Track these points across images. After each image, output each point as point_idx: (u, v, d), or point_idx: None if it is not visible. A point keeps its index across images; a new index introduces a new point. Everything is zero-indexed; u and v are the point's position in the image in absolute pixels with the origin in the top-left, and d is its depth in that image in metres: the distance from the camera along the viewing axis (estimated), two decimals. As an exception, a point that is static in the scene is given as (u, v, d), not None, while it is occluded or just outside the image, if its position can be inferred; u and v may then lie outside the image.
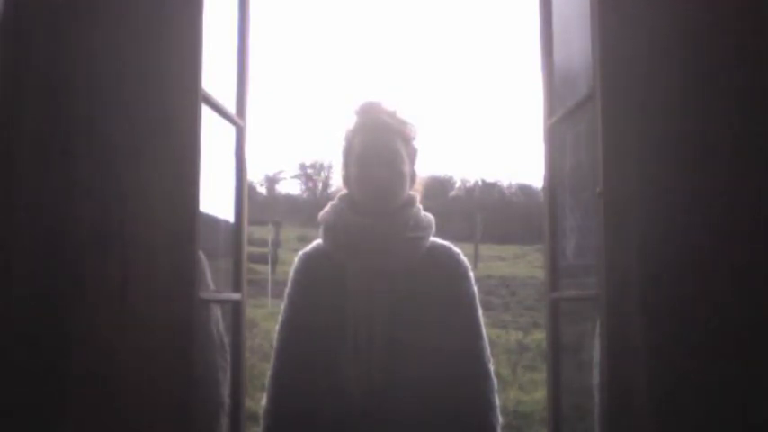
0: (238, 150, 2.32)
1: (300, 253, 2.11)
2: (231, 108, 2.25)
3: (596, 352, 1.96)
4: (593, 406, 2.02)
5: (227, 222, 2.32)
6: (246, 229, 2.39)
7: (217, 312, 2.26)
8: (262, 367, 6.25)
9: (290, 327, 2.04)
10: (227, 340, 2.28)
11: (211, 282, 2.17)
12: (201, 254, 1.94)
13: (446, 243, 2.10)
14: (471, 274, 2.07)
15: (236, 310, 2.32)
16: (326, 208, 2.09)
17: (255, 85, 2.40)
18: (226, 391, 2.25)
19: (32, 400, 1.78)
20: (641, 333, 1.78)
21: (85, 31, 1.87)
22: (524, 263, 20.20)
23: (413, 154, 2.08)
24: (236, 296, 2.30)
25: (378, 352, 1.93)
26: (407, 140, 2.06)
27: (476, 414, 1.97)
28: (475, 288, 2.06)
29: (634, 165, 1.82)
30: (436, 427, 1.93)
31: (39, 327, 1.80)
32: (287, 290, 2.08)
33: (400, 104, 2.09)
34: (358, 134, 2.05)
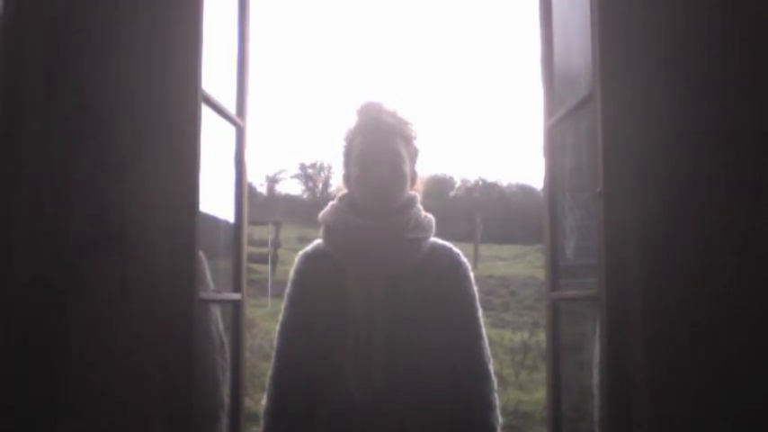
0: (238, 150, 2.32)
1: (300, 253, 2.11)
2: (231, 108, 2.25)
3: (596, 352, 1.96)
4: (593, 406, 2.02)
5: (227, 222, 2.32)
6: (246, 229, 2.39)
7: (217, 312, 2.26)
8: (262, 367, 6.26)
9: (290, 327, 2.04)
10: (226, 340, 2.28)
11: (211, 282, 2.17)
12: (201, 254, 1.94)
13: (446, 243, 2.09)
14: (471, 274, 2.07)
15: (236, 310, 2.32)
16: (327, 208, 2.09)
17: (255, 85, 2.41)
18: (226, 391, 2.25)
19: (32, 400, 1.78)
20: (641, 333, 1.78)
21: (85, 31, 1.87)
22: (524, 263, 20.21)
23: (414, 154, 2.07)
24: (236, 296, 2.30)
25: (378, 352, 1.93)
26: (408, 140, 2.05)
27: (476, 414, 1.97)
28: (475, 288, 2.06)
29: (634, 165, 1.82)
30: (436, 428, 1.93)
31: (39, 327, 1.80)
32: (287, 290, 2.08)
33: (401, 104, 2.09)
34: (359, 134, 2.05)
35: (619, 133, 1.83)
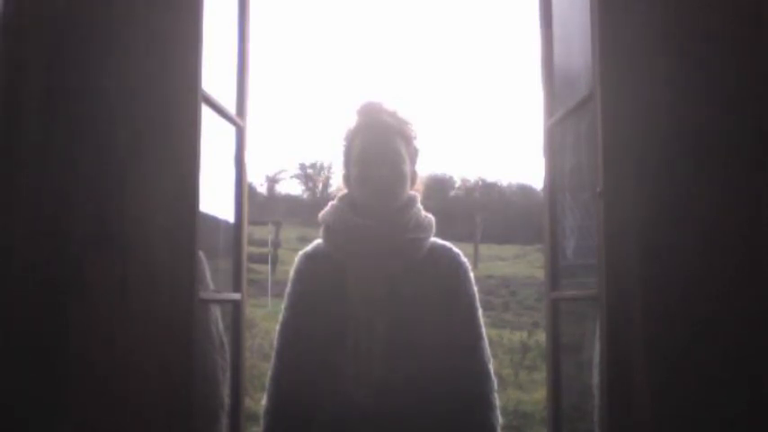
0: (238, 150, 2.32)
1: (301, 253, 2.11)
2: (231, 108, 2.25)
3: (596, 352, 1.96)
4: (593, 406, 2.02)
5: (227, 222, 2.32)
6: (246, 229, 2.39)
7: (216, 312, 2.26)
8: (262, 367, 6.26)
9: (290, 327, 2.04)
10: (226, 340, 2.28)
11: (211, 282, 2.17)
12: (201, 254, 1.94)
13: (446, 244, 2.09)
14: (471, 274, 2.07)
15: (236, 310, 2.32)
16: (327, 208, 2.09)
17: (255, 85, 2.41)
18: (226, 390, 2.25)
19: (32, 400, 1.78)
20: (641, 333, 1.78)
21: (85, 31, 1.87)
22: (524, 263, 20.23)
23: (414, 154, 2.07)
24: (236, 296, 2.30)
25: (378, 352, 1.93)
26: (408, 140, 2.06)
27: (476, 414, 1.97)
28: (475, 288, 2.06)
29: (634, 165, 1.82)
30: (436, 428, 1.93)
31: (39, 327, 1.80)
32: (287, 290, 2.08)
33: (401, 104, 2.09)
34: (359, 134, 2.05)
35: (619, 133, 1.83)
